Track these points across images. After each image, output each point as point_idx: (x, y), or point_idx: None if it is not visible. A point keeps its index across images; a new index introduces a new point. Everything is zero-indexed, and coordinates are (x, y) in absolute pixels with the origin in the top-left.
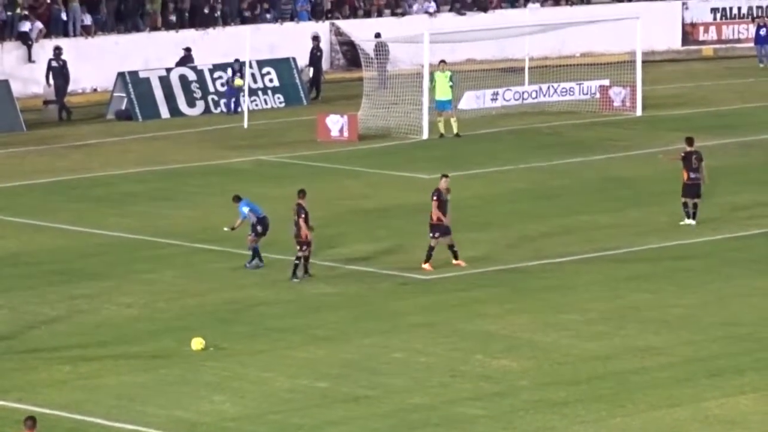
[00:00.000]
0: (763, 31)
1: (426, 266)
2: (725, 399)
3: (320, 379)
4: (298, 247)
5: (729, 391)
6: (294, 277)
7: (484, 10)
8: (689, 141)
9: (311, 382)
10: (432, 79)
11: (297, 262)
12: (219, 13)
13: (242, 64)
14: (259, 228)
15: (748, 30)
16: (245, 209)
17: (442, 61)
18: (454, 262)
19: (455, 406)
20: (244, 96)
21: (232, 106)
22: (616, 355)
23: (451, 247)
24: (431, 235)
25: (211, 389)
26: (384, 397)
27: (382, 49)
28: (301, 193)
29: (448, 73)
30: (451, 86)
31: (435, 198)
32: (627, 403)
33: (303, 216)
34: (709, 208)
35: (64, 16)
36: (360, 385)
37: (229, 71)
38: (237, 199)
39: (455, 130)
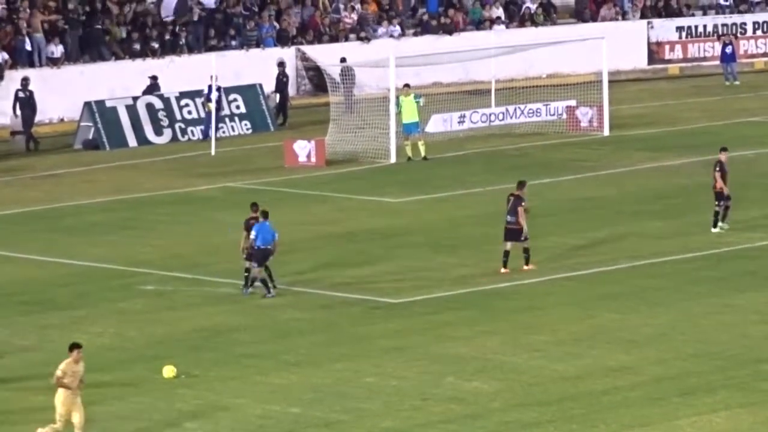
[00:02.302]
0: (728, 49)
1: (528, 267)
2: (697, 417)
3: (292, 405)
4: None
5: (701, 409)
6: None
7: (450, 33)
8: (721, 150)
9: (283, 408)
10: (398, 104)
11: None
12: (184, 40)
13: (210, 88)
14: (254, 255)
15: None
16: (253, 232)
17: (406, 85)
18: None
19: (427, 430)
20: (210, 123)
21: (209, 132)
22: (587, 375)
23: (525, 250)
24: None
25: (183, 417)
26: (356, 421)
27: (347, 73)
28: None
29: (412, 95)
30: (418, 102)
31: (523, 205)
32: (599, 423)
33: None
34: (678, 226)
35: (28, 47)
36: (332, 410)
37: (205, 90)
38: (264, 215)
39: (423, 154)
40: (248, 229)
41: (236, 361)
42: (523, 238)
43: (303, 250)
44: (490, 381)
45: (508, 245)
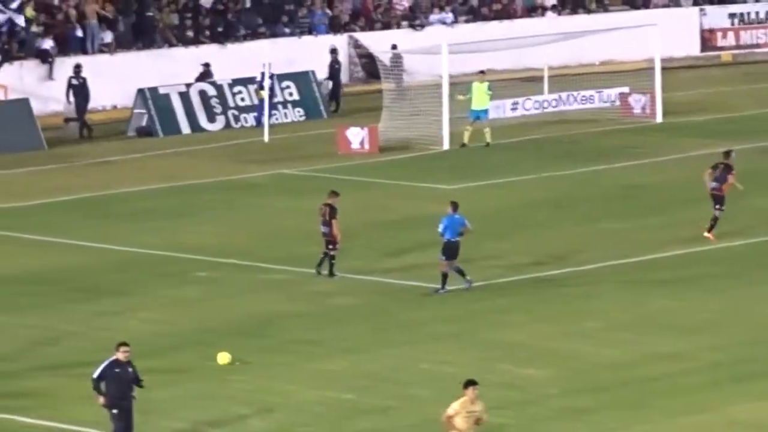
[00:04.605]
0: None
1: (709, 235)
2: (751, 404)
3: (346, 391)
4: None
5: (755, 395)
6: None
7: (502, 19)
8: None
9: (337, 394)
10: (469, 89)
11: None
12: (237, 27)
13: (263, 75)
14: (444, 248)
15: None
16: (441, 225)
17: (481, 72)
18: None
19: None
20: (263, 110)
21: (262, 118)
22: (640, 361)
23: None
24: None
25: (236, 403)
26: (410, 408)
27: (396, 60)
28: None
29: (486, 83)
30: (489, 95)
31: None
32: (652, 409)
33: None
34: (731, 213)
35: (79, 33)
36: (386, 396)
37: (258, 78)
38: (454, 207)
39: (488, 140)
40: (323, 215)
41: (289, 347)
42: (718, 207)
43: (355, 236)
44: (544, 367)
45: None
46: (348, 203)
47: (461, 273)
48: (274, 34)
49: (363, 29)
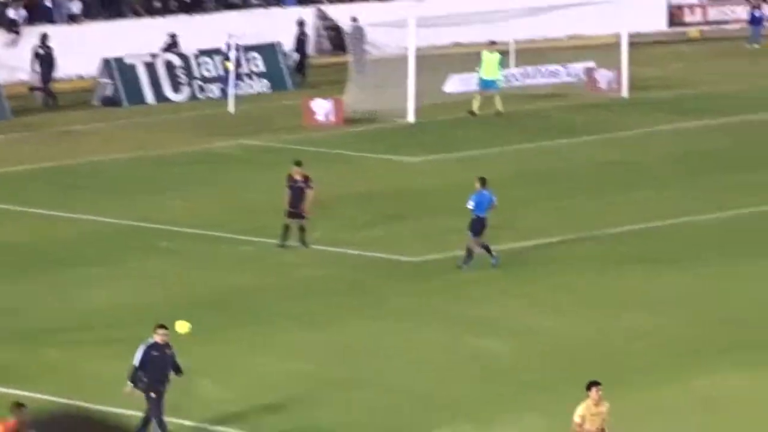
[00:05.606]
0: (756, 13)
1: None
2: (712, 378)
3: (309, 363)
4: None
5: (716, 370)
6: None
7: None
8: None
9: (300, 366)
10: (479, 59)
11: None
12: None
13: (229, 46)
14: (472, 224)
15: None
16: (471, 202)
17: (492, 42)
18: None
19: (448, 388)
20: (229, 81)
21: (227, 90)
22: (606, 336)
23: None
24: None
25: (198, 374)
26: (374, 379)
27: (358, 33)
28: None
29: (498, 55)
30: (501, 68)
31: None
32: (616, 384)
33: None
34: (701, 189)
35: (48, 3)
36: (349, 367)
37: (224, 48)
38: (482, 182)
39: (499, 108)
40: (290, 186)
41: (255, 319)
42: None
43: (322, 208)
44: (509, 341)
45: None
46: (313, 175)
47: (488, 250)
48: (242, 6)
49: (331, 2)
